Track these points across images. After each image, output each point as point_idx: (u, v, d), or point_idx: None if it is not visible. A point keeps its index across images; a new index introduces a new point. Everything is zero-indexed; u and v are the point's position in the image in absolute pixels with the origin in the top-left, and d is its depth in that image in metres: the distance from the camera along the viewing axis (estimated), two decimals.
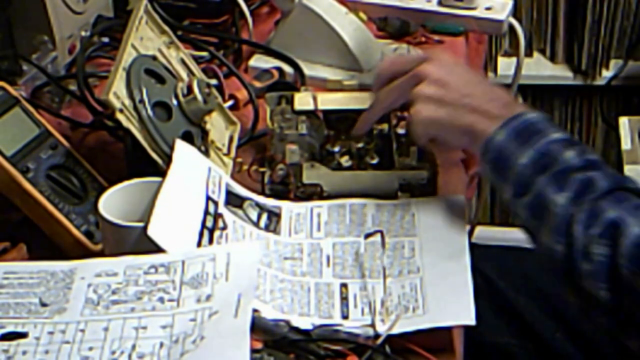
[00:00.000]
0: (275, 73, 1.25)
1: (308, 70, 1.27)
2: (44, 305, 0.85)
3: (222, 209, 0.95)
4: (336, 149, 1.07)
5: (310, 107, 1.10)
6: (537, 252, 0.92)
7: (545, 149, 0.90)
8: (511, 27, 1.40)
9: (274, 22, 1.33)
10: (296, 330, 0.85)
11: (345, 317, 0.88)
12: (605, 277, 0.85)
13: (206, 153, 1.03)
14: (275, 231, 0.98)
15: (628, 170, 1.93)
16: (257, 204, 1.00)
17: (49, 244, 0.99)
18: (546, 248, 0.89)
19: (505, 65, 2.16)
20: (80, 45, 1.28)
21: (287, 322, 0.85)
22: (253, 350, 0.78)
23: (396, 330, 0.85)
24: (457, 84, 0.96)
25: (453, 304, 0.88)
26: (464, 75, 0.98)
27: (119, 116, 0.96)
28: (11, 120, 1.01)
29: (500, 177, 0.93)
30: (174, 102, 1.02)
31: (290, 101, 1.10)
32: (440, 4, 1.39)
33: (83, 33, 1.29)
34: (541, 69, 2.19)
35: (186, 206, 0.91)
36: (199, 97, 1.03)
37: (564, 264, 0.88)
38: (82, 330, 0.82)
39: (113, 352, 0.80)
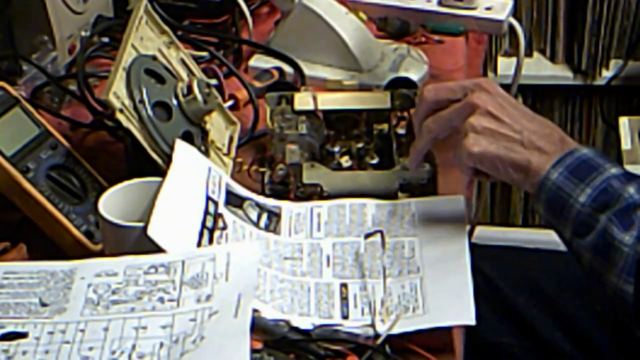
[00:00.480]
0: (275, 73, 1.25)
1: (308, 70, 1.27)
2: (44, 305, 0.85)
3: (222, 209, 0.95)
4: (336, 149, 1.07)
5: (310, 107, 1.10)
6: (605, 293, 0.88)
7: (604, 186, 0.87)
8: (511, 27, 1.40)
9: (274, 22, 1.33)
10: (296, 330, 0.85)
11: (345, 317, 0.88)
12: None
13: (206, 153, 1.03)
14: (275, 231, 0.98)
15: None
16: (257, 204, 1.00)
17: (49, 244, 0.99)
18: (615, 289, 0.86)
19: (505, 65, 2.16)
20: (80, 45, 1.28)
21: (287, 322, 0.85)
22: (253, 350, 0.78)
23: (396, 330, 0.85)
24: (511, 117, 0.92)
25: (453, 304, 0.88)
26: (516, 108, 0.94)
27: (119, 116, 0.96)
28: (11, 120, 1.01)
29: (558, 217, 0.89)
30: (174, 102, 1.02)
31: (290, 101, 1.11)
32: (440, 4, 1.39)
33: (83, 33, 1.29)
34: (541, 69, 2.19)
35: (186, 206, 0.91)
36: (199, 97, 1.03)
37: (636, 306, 0.85)
38: (82, 330, 0.82)
39: (113, 352, 0.80)
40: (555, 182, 0.89)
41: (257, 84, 1.23)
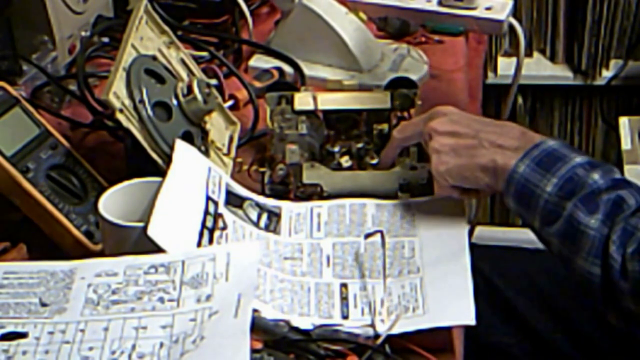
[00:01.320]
0: (275, 73, 1.25)
1: (308, 70, 1.27)
2: (44, 305, 0.85)
3: (222, 209, 0.95)
4: (336, 149, 1.07)
5: (310, 107, 1.10)
6: (573, 278, 0.91)
7: (570, 175, 0.89)
8: (511, 27, 1.40)
9: (274, 22, 1.33)
10: (296, 330, 0.85)
11: (345, 317, 0.88)
12: None
13: (206, 153, 1.03)
14: (275, 231, 0.98)
15: (628, 170, 1.93)
16: (257, 204, 1.00)
17: (49, 244, 0.99)
18: (583, 272, 0.88)
19: (505, 65, 2.16)
20: (80, 45, 1.28)
21: (287, 322, 0.85)
22: (253, 350, 0.78)
23: (396, 330, 0.85)
24: (466, 127, 0.96)
25: (453, 304, 0.88)
26: (470, 119, 0.97)
27: (119, 116, 0.96)
28: (11, 120, 1.01)
29: (527, 209, 0.92)
30: (174, 102, 1.02)
31: (290, 101, 1.10)
32: (440, 4, 1.39)
33: (83, 33, 1.29)
34: (541, 69, 2.19)
35: (186, 206, 0.91)
36: (199, 97, 1.03)
37: (602, 286, 0.87)
38: (82, 330, 0.82)
39: (113, 352, 0.80)
40: (522, 175, 0.91)
41: (257, 84, 1.23)
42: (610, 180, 0.89)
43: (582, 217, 0.88)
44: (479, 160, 0.93)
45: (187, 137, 1.01)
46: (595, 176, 0.89)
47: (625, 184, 0.90)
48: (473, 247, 0.94)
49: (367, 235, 0.95)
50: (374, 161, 1.06)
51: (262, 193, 1.02)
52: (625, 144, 1.99)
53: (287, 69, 1.27)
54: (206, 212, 0.92)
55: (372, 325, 0.86)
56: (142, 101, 0.98)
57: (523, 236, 0.95)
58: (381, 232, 0.93)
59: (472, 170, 0.94)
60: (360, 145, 1.08)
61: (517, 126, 0.96)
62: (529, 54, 2.18)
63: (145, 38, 1.05)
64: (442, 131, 0.96)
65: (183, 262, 0.86)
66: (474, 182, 0.95)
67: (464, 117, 0.98)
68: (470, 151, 0.94)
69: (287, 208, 1.01)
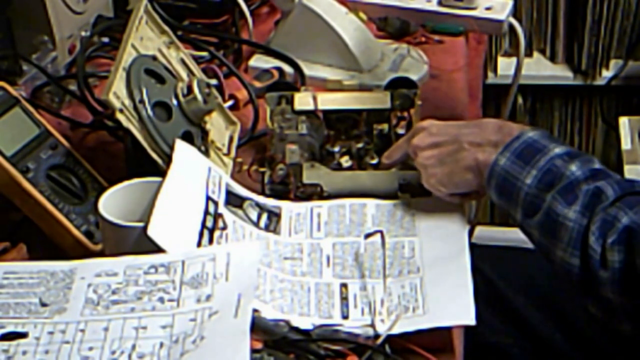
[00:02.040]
0: (275, 73, 1.25)
1: (308, 70, 1.27)
2: (44, 305, 0.85)
3: (222, 209, 0.95)
4: (336, 149, 1.07)
5: (310, 107, 1.10)
6: (553, 269, 0.92)
7: (548, 166, 0.90)
8: (511, 27, 1.40)
9: (274, 22, 1.33)
10: (296, 330, 0.85)
11: (345, 317, 0.88)
12: (624, 282, 0.85)
13: (206, 153, 1.03)
14: (275, 231, 0.98)
15: (628, 170, 1.93)
16: (257, 204, 1.00)
17: (49, 244, 0.99)
18: (562, 263, 0.89)
19: (505, 65, 2.16)
20: (80, 45, 1.28)
21: (287, 322, 0.85)
22: (253, 350, 0.78)
23: (396, 330, 0.85)
24: (445, 136, 0.97)
25: (453, 304, 0.88)
26: (448, 126, 0.99)
27: (119, 116, 0.96)
28: (11, 120, 1.01)
29: (508, 201, 0.92)
30: (174, 102, 1.02)
31: (290, 101, 1.10)
32: (440, 4, 1.39)
33: (83, 33, 1.29)
34: (541, 69, 2.19)
35: (186, 206, 0.91)
36: (199, 97, 1.03)
37: (581, 276, 0.88)
38: (82, 330, 0.82)
39: (113, 352, 0.80)
40: (503, 167, 0.92)
41: (257, 84, 1.23)
42: (588, 171, 0.90)
43: (560, 209, 0.88)
44: (463, 163, 0.95)
45: (187, 137, 1.01)
46: (573, 167, 0.90)
47: (603, 174, 0.90)
48: (473, 247, 0.94)
49: (367, 235, 0.95)
50: (374, 161, 1.06)
51: (262, 193, 1.02)
52: (625, 144, 1.99)
53: (287, 69, 1.27)
54: (206, 212, 0.92)
55: (372, 325, 0.86)
56: (142, 101, 0.98)
57: (523, 236, 0.95)
58: (381, 232, 0.93)
59: (459, 175, 0.96)
60: (360, 145, 1.08)
61: (494, 121, 0.97)
62: (529, 54, 2.18)
63: (145, 38, 1.05)
64: (424, 146, 0.98)
65: (183, 262, 0.86)
66: (466, 186, 0.96)
67: (441, 127, 0.99)
68: (453, 156, 0.96)
69: (287, 208, 1.01)
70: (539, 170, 0.90)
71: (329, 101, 1.11)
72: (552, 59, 2.20)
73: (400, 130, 1.08)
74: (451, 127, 0.99)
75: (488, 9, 1.38)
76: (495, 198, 0.94)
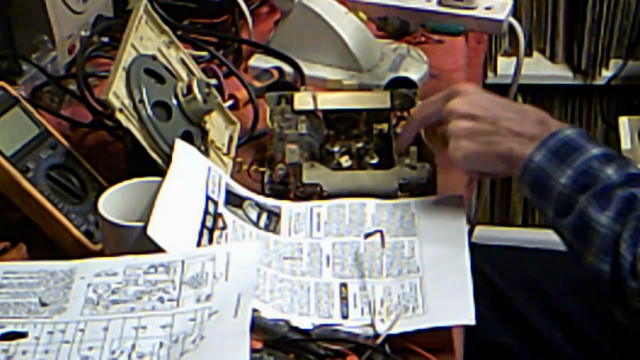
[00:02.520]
0: (275, 73, 1.25)
1: (308, 70, 1.27)
2: (44, 305, 0.85)
3: (222, 209, 0.95)
4: (336, 149, 1.07)
5: (310, 107, 1.10)
6: (582, 273, 0.90)
7: (584, 168, 0.89)
8: (511, 27, 1.40)
9: (274, 22, 1.33)
10: (296, 330, 0.85)
11: (345, 317, 0.88)
12: None
13: (206, 153, 1.03)
14: (275, 231, 0.98)
15: None
16: (257, 204, 1.00)
17: (49, 244, 0.99)
18: (592, 268, 0.88)
19: (505, 65, 2.16)
20: (80, 45, 1.28)
21: (287, 322, 0.85)
22: (253, 350, 0.78)
23: (396, 330, 0.85)
24: (486, 112, 0.95)
25: (453, 304, 0.88)
26: (491, 101, 0.97)
27: (119, 116, 0.96)
28: (11, 120, 1.01)
29: (542, 199, 0.92)
30: (174, 102, 1.02)
31: (290, 101, 1.10)
32: (440, 4, 1.39)
33: (83, 33, 1.29)
34: (541, 69, 2.19)
35: (186, 206, 0.91)
36: (199, 97, 1.03)
37: (611, 284, 0.87)
38: (82, 330, 0.82)
39: (113, 352, 0.80)
40: (538, 165, 0.91)
41: (257, 84, 1.23)
42: (625, 176, 0.89)
43: (594, 213, 0.87)
44: (496, 149, 0.93)
45: (187, 137, 1.01)
46: (610, 171, 0.89)
47: None
48: (473, 247, 0.94)
49: (367, 235, 0.95)
50: (374, 161, 1.06)
51: (262, 193, 1.02)
52: (625, 144, 1.99)
53: (287, 69, 1.27)
54: (206, 212, 0.92)
55: (372, 325, 0.86)
56: (142, 101, 0.98)
57: (523, 236, 0.95)
58: (381, 232, 0.93)
59: (490, 159, 0.94)
60: (360, 145, 1.08)
61: (536, 112, 0.96)
62: (529, 54, 2.18)
63: (145, 38, 1.05)
64: (461, 113, 0.95)
65: (183, 262, 0.86)
66: (490, 169, 0.96)
67: (483, 99, 0.97)
68: (488, 138, 0.94)
69: (287, 208, 1.01)
70: (574, 171, 0.89)
71: (329, 101, 1.11)
72: (552, 59, 2.20)
73: (400, 130, 1.08)
74: (493, 103, 0.96)
75: (488, 9, 1.38)
76: (529, 194, 0.93)
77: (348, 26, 1.27)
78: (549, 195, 0.91)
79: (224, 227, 0.93)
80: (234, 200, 0.98)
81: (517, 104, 0.98)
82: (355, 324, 0.87)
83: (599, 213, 0.87)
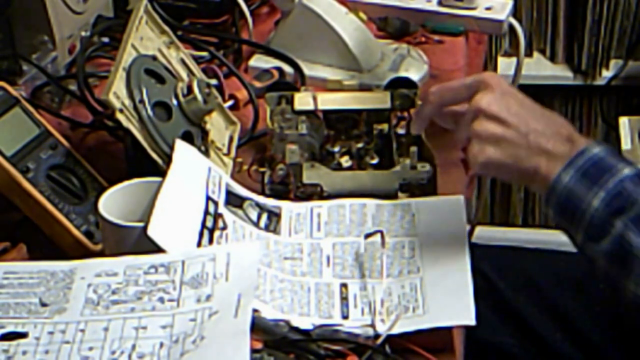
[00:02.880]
0: (275, 73, 1.25)
1: (308, 70, 1.27)
2: (44, 305, 0.85)
3: (222, 209, 0.95)
4: (336, 149, 1.07)
5: (310, 107, 1.10)
6: (624, 300, 0.86)
7: (618, 189, 0.85)
8: (511, 27, 1.40)
9: (274, 22, 1.33)
10: (296, 330, 0.85)
11: (345, 317, 0.88)
12: None
13: (206, 153, 1.03)
14: (275, 231, 0.98)
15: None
16: (257, 204, 1.00)
17: (49, 244, 0.99)
18: (633, 297, 0.84)
19: (505, 65, 2.16)
20: (80, 45, 1.28)
21: (287, 322, 0.85)
22: (253, 350, 0.78)
23: (396, 330, 0.85)
24: (517, 119, 0.89)
25: (453, 304, 0.88)
26: (523, 106, 0.91)
27: (119, 116, 0.96)
28: (11, 120, 1.01)
29: (571, 222, 0.87)
30: (174, 102, 1.02)
31: (290, 101, 1.11)
32: (440, 4, 1.39)
33: (83, 33, 1.29)
34: (541, 69, 2.19)
35: (186, 206, 0.91)
36: (199, 97, 1.03)
37: None
38: (82, 330, 0.82)
39: (113, 352, 0.80)
40: (566, 186, 0.86)
41: (257, 84, 1.23)
42: None
43: (634, 239, 0.83)
44: (521, 164, 0.88)
45: (187, 137, 1.01)
46: None
47: None
48: (473, 247, 0.94)
49: (367, 235, 0.95)
50: (374, 161, 1.06)
51: (262, 193, 1.02)
52: (625, 144, 1.99)
53: (287, 69, 1.27)
54: (206, 212, 0.92)
55: (372, 325, 0.86)
56: (142, 101, 0.98)
57: (523, 236, 0.95)
58: (381, 232, 0.93)
59: (511, 170, 0.90)
60: (360, 145, 1.08)
61: (565, 125, 0.90)
62: (529, 54, 2.18)
63: (145, 38, 1.05)
64: (491, 114, 0.89)
65: (183, 262, 0.86)
66: (509, 179, 0.92)
67: (515, 101, 0.90)
68: (515, 150, 0.88)
69: (287, 208, 1.01)
70: (607, 193, 0.84)
71: (329, 101, 1.11)
72: (552, 59, 2.20)
73: (400, 130, 1.08)
74: (525, 108, 0.90)
75: (488, 9, 1.38)
76: (555, 216, 0.88)
77: (348, 26, 1.27)
78: (579, 219, 0.86)
79: (224, 227, 0.93)
80: (234, 200, 0.98)
81: (547, 112, 0.92)
82: (355, 324, 0.87)
83: (639, 238, 0.83)
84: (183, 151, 0.97)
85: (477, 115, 0.90)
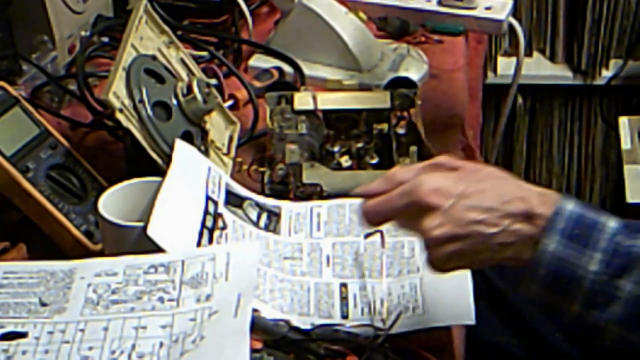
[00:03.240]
0: (275, 73, 1.25)
1: (308, 70, 1.27)
2: (44, 305, 0.85)
3: (222, 209, 0.95)
4: (336, 149, 1.07)
5: (310, 107, 1.10)
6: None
7: (613, 247, 0.77)
8: (511, 27, 1.40)
9: (274, 22, 1.33)
10: (296, 330, 0.85)
11: (345, 317, 0.88)
12: None
13: (206, 153, 1.03)
14: (275, 231, 0.98)
15: (628, 170, 1.93)
16: (257, 204, 1.00)
17: (49, 244, 0.99)
18: None
19: (505, 65, 2.16)
20: (80, 45, 1.28)
21: (287, 322, 0.85)
22: (253, 350, 0.78)
23: (396, 330, 0.85)
24: (470, 228, 0.79)
25: (453, 304, 0.88)
26: (471, 207, 0.79)
27: (119, 116, 0.96)
28: (11, 120, 1.01)
29: (565, 293, 0.78)
30: (174, 102, 1.02)
31: (290, 101, 1.11)
32: (440, 4, 1.39)
33: (83, 33, 1.29)
34: (541, 69, 2.19)
35: (186, 206, 0.91)
36: (199, 97, 1.03)
37: None
38: (82, 330, 0.82)
39: (113, 352, 0.80)
40: (555, 255, 0.77)
41: (257, 84, 1.23)
42: None
43: None
44: (493, 261, 0.80)
45: (187, 137, 1.01)
46: None
47: None
48: None
49: (367, 235, 0.95)
50: (374, 161, 1.06)
51: (262, 193, 1.02)
52: (625, 144, 1.99)
53: (287, 69, 1.27)
54: (206, 212, 0.92)
55: (372, 325, 0.86)
56: (142, 101, 0.98)
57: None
58: (381, 232, 0.93)
59: (484, 266, 0.85)
60: (360, 145, 1.08)
61: (520, 198, 0.79)
62: (529, 54, 2.18)
63: (145, 38, 1.05)
64: (441, 239, 0.79)
65: (183, 262, 0.86)
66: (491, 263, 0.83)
67: (462, 207, 0.79)
68: (479, 256, 0.80)
69: (287, 208, 1.01)
70: (603, 254, 0.76)
71: (329, 101, 1.11)
72: (552, 59, 2.20)
73: (400, 130, 1.08)
74: (472, 208, 0.79)
75: (488, 9, 1.38)
76: (541, 290, 0.79)
77: (348, 26, 1.27)
78: (576, 288, 0.77)
79: (224, 227, 0.93)
80: (234, 200, 0.98)
81: (497, 189, 0.80)
82: (355, 324, 0.87)
83: None
84: (183, 151, 0.97)
85: (429, 246, 0.81)
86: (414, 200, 0.80)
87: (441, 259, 0.80)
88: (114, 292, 0.85)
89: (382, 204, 0.82)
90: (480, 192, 0.80)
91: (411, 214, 0.80)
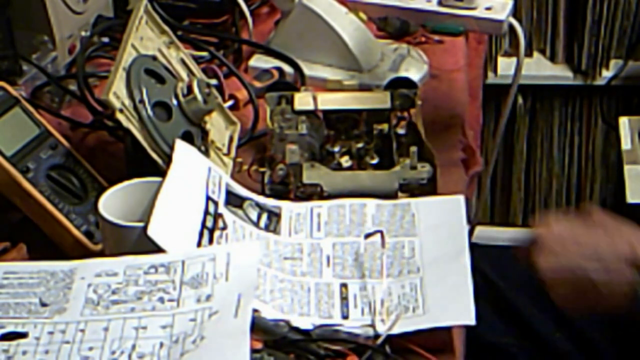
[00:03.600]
0: (275, 73, 1.25)
1: (308, 70, 1.27)
2: (44, 305, 0.85)
3: (222, 209, 0.95)
4: (336, 149, 1.07)
5: (310, 107, 1.10)
6: None
7: None
8: (511, 27, 1.40)
9: (274, 22, 1.33)
10: (296, 330, 0.85)
11: (345, 317, 0.88)
12: None
13: (206, 153, 1.03)
14: (275, 231, 0.98)
15: (628, 170, 1.93)
16: (257, 204, 1.00)
17: (49, 244, 0.99)
18: None
19: (505, 65, 2.16)
20: (80, 45, 1.28)
21: (287, 322, 0.85)
22: (253, 350, 0.78)
23: (396, 330, 0.85)
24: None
25: (453, 304, 0.88)
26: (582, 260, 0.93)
27: (119, 116, 0.96)
28: (11, 120, 1.01)
29: None
30: (174, 102, 1.02)
31: (290, 101, 1.11)
32: (440, 4, 1.39)
33: (83, 33, 1.29)
34: (541, 69, 2.19)
35: (186, 206, 0.91)
36: (199, 97, 1.03)
37: None
38: (82, 330, 0.82)
39: (113, 352, 0.80)
40: None
41: (257, 84, 1.23)
42: None
43: None
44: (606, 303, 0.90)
45: (187, 137, 1.01)
46: None
47: None
48: (473, 247, 0.94)
49: (367, 235, 0.95)
50: (374, 161, 1.06)
51: (262, 193, 1.02)
52: (625, 144, 1.99)
53: (287, 69, 1.27)
54: (206, 212, 0.92)
55: (372, 325, 0.86)
56: (142, 101, 0.98)
57: (523, 236, 0.94)
58: (381, 232, 0.93)
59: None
60: (360, 145, 1.08)
61: (628, 244, 0.91)
62: (529, 54, 2.18)
63: (145, 38, 1.05)
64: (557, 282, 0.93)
65: (183, 262, 0.86)
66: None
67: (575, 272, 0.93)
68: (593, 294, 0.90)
69: (287, 208, 1.01)
70: None
71: (329, 101, 1.11)
72: (552, 59, 2.20)
73: (400, 130, 1.08)
74: (584, 268, 0.92)
75: (488, 9, 1.38)
76: None
77: (348, 26, 1.27)
78: None
79: (224, 227, 0.93)
80: (234, 200, 0.98)
81: (603, 242, 0.93)
82: (355, 324, 0.87)
83: None
84: (183, 151, 0.97)
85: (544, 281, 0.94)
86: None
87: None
88: (114, 292, 0.85)
89: None
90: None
91: None
